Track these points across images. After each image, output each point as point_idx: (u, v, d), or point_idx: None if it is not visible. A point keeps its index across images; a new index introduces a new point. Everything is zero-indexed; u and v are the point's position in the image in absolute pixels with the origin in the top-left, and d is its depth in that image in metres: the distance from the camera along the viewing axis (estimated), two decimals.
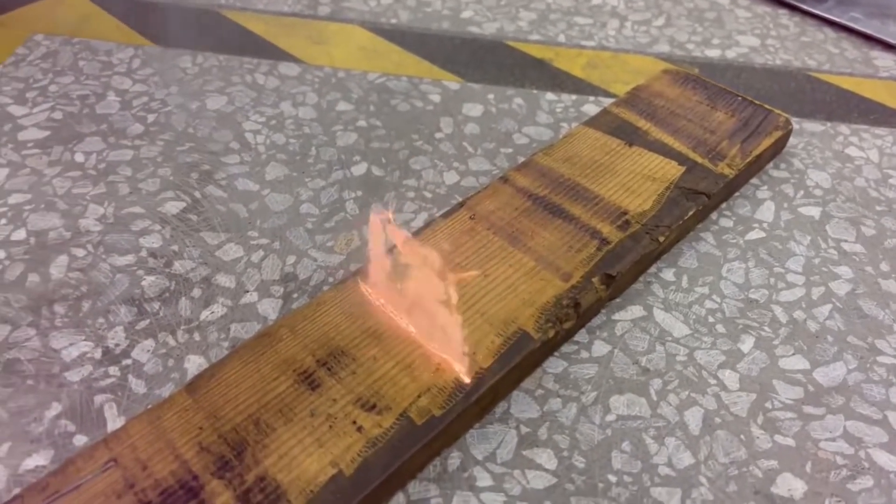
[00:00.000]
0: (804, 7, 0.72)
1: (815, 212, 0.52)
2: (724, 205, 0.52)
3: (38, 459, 0.37)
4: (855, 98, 0.62)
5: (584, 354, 0.43)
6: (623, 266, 0.44)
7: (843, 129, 0.59)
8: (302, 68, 0.63)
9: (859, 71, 0.65)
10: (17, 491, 0.35)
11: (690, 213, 0.48)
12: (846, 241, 0.50)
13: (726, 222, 0.51)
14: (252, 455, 0.35)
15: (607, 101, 0.60)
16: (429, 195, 0.52)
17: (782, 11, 0.73)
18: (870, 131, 0.58)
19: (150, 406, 0.38)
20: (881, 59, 0.66)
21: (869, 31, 0.68)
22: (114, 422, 0.38)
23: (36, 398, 0.39)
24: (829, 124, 0.59)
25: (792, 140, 0.57)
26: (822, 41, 0.69)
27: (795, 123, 0.57)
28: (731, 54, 0.67)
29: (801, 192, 0.53)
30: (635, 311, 0.45)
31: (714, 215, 0.51)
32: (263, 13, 0.69)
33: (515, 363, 0.39)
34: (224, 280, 0.46)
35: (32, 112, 0.57)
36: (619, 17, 0.71)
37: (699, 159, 0.51)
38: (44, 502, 0.33)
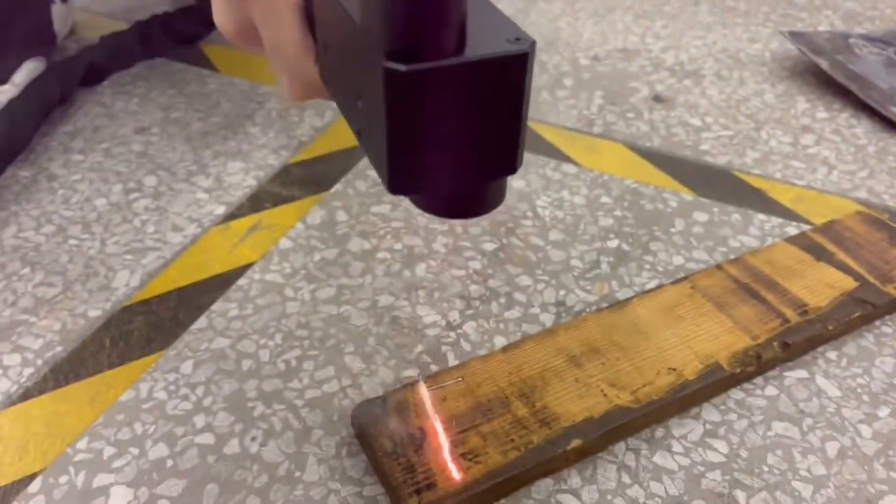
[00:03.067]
0: None
1: None
2: (887, 316, 0.69)
3: (410, 373, 0.63)
4: None
5: (759, 392, 0.62)
6: (797, 338, 0.63)
7: None
8: (578, 169, 0.88)
9: None
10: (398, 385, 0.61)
11: (857, 314, 0.66)
12: None
13: (887, 329, 0.68)
14: (539, 392, 0.58)
15: (806, 228, 0.79)
16: (661, 269, 0.74)
17: None
18: None
19: (475, 356, 0.62)
20: None
21: None
22: (453, 362, 0.63)
23: (409, 340, 0.65)
24: None
25: None
26: None
27: None
28: None
29: None
30: (801, 373, 0.63)
31: (877, 322, 0.68)
32: (554, 126, 0.96)
33: (710, 382, 0.59)
34: (519, 297, 0.70)
35: None
36: (828, 166, 0.90)
37: (871, 279, 0.69)
38: (420, 390, 0.58)
